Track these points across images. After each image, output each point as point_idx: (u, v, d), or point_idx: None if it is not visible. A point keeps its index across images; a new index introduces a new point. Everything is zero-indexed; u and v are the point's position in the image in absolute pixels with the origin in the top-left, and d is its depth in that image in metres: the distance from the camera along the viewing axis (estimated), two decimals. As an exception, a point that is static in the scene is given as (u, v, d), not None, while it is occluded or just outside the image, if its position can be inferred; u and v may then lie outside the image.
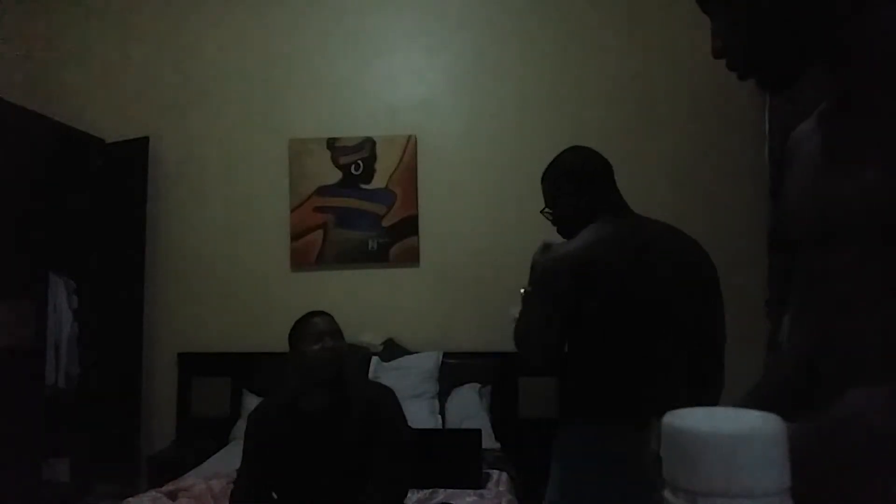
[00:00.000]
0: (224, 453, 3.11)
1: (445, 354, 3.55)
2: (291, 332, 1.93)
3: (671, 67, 3.70)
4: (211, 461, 2.99)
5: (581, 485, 1.43)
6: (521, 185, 3.75)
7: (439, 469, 2.48)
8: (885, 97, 0.67)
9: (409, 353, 3.58)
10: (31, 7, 3.92)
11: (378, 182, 3.76)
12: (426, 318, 3.72)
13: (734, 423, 0.48)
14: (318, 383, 1.87)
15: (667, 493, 0.49)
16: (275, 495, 1.95)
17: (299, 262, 3.77)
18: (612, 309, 1.43)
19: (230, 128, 3.87)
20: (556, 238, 1.66)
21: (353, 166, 3.77)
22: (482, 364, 3.56)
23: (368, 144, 3.77)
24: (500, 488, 2.53)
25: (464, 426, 3.10)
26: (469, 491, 2.45)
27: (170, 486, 2.49)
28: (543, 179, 1.70)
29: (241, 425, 3.37)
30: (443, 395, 3.44)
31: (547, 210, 1.70)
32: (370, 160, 3.77)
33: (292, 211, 3.77)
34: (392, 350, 3.59)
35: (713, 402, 1.45)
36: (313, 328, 1.88)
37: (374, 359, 3.51)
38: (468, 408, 3.35)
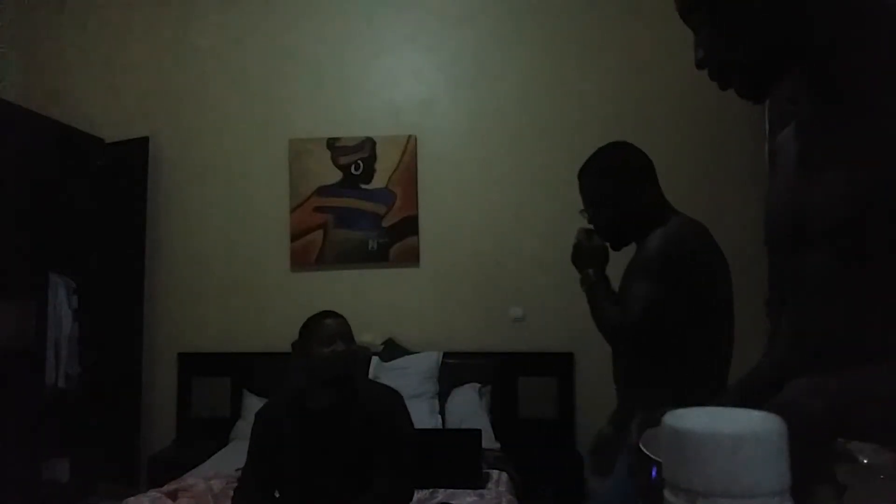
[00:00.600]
0: (224, 453, 3.11)
1: (445, 354, 3.55)
2: (302, 331, 1.92)
3: (671, 67, 3.70)
4: (211, 461, 2.99)
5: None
6: (522, 185, 3.76)
7: (439, 469, 2.48)
8: (854, 108, 0.71)
9: (409, 353, 3.58)
10: (31, 7, 3.92)
11: (378, 182, 3.76)
12: (426, 318, 3.72)
13: (734, 423, 0.48)
14: (328, 384, 1.87)
15: (667, 493, 0.49)
16: (277, 494, 1.95)
17: (299, 262, 3.77)
18: (720, 302, 1.50)
19: (230, 128, 3.87)
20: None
21: (353, 166, 3.77)
22: (482, 364, 3.56)
23: (368, 144, 3.77)
24: (500, 488, 2.53)
25: (464, 426, 3.10)
26: (469, 491, 2.45)
27: (170, 486, 2.49)
28: (589, 176, 1.61)
29: (241, 425, 3.38)
30: (443, 395, 3.44)
31: (588, 210, 1.62)
32: (370, 160, 3.77)
33: (292, 211, 3.77)
34: (392, 350, 3.59)
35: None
36: (327, 330, 1.87)
37: (374, 359, 3.51)
38: (468, 408, 3.35)
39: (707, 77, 0.87)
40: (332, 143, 3.78)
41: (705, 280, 1.46)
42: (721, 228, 3.79)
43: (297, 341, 1.93)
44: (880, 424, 0.60)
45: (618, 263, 1.62)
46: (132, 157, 3.73)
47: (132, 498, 2.40)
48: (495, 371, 3.55)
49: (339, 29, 3.86)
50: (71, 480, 3.48)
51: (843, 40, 0.72)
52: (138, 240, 3.71)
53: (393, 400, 1.96)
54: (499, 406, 3.49)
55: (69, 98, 3.84)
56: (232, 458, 2.81)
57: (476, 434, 2.64)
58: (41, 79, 3.88)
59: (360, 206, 3.76)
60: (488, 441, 2.93)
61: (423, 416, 3.13)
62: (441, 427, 3.21)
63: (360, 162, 3.77)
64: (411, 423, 1.97)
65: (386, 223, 3.75)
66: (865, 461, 0.53)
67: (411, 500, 1.96)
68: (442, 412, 3.35)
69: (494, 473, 2.67)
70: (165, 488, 2.47)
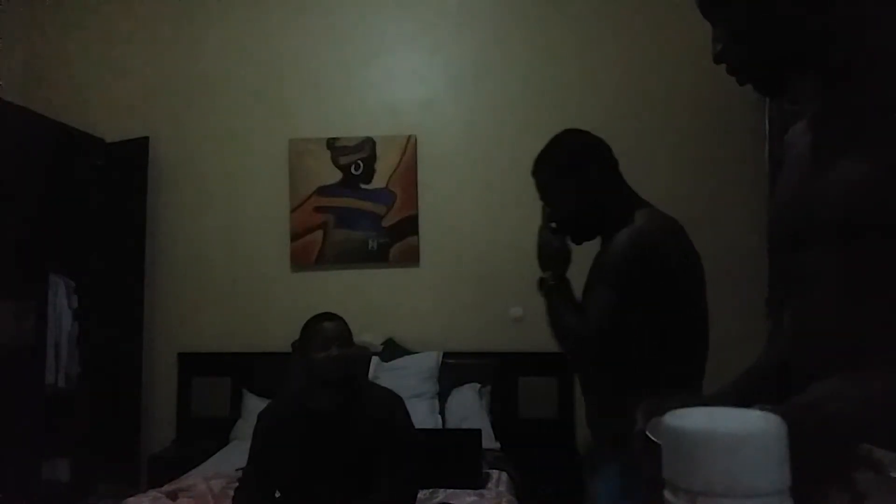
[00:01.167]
0: (224, 453, 3.11)
1: (445, 354, 3.55)
2: (302, 333, 1.92)
3: (672, 68, 3.70)
4: (211, 461, 2.99)
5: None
6: (522, 185, 3.74)
7: (439, 469, 2.48)
8: (868, 101, 0.71)
9: (409, 353, 3.58)
10: (31, 7, 3.92)
11: (378, 182, 3.76)
12: (426, 318, 3.72)
13: (734, 423, 0.48)
14: (327, 387, 1.87)
15: (667, 493, 0.49)
16: (278, 495, 1.95)
17: (299, 262, 3.77)
18: (689, 298, 1.37)
19: (230, 128, 3.87)
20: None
21: (353, 166, 3.77)
22: (482, 364, 3.56)
23: (368, 144, 3.77)
24: (500, 488, 2.53)
25: (464, 426, 3.10)
26: (469, 491, 2.45)
27: (170, 486, 2.49)
28: (544, 166, 1.55)
29: (242, 425, 3.38)
30: (443, 395, 3.43)
31: (546, 203, 1.54)
32: (370, 160, 3.77)
33: (292, 211, 3.77)
34: (392, 350, 3.58)
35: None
36: (325, 333, 1.87)
37: (374, 359, 3.51)
38: (468, 408, 3.35)
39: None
40: (332, 143, 3.78)
41: (673, 281, 1.33)
42: (721, 228, 3.82)
43: (297, 342, 1.93)
44: None
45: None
46: (132, 157, 3.73)
47: (132, 498, 2.40)
48: (495, 371, 3.55)
49: (339, 29, 3.86)
50: (71, 480, 3.48)
51: (858, 34, 0.72)
52: (138, 240, 3.71)
53: (394, 403, 1.96)
54: (499, 406, 3.49)
55: (69, 98, 3.84)
56: (232, 458, 2.81)
57: (476, 434, 2.64)
58: (41, 79, 3.88)
59: (360, 206, 3.76)
60: (488, 441, 2.93)
61: (423, 416, 3.13)
62: (441, 427, 3.21)
63: (360, 162, 3.77)
64: (413, 426, 1.98)
65: (386, 223, 3.75)
66: (894, 475, 0.53)
67: (414, 502, 1.96)
68: (442, 412, 3.35)
69: (494, 473, 2.67)
70: (165, 488, 2.47)
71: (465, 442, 2.62)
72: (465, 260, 3.73)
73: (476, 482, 2.53)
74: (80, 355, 3.62)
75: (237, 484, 2.02)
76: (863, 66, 0.72)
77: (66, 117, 3.59)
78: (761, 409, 0.52)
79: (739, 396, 0.81)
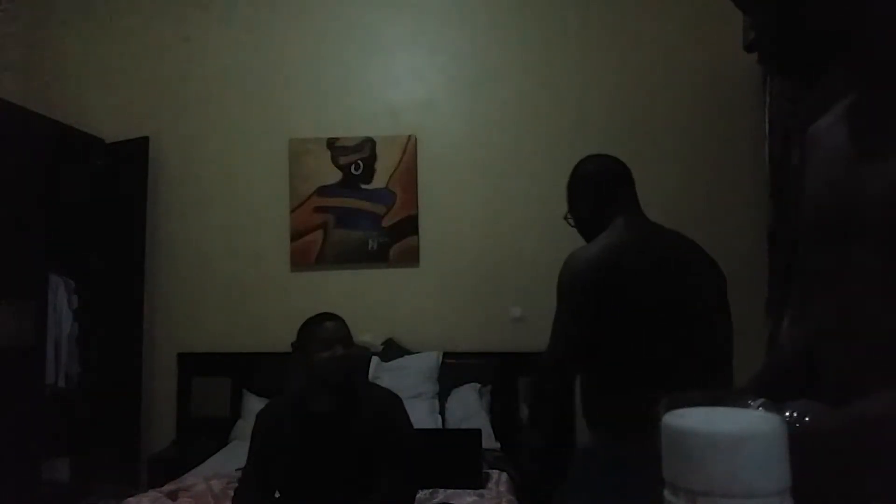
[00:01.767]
0: (224, 453, 3.11)
1: (445, 354, 3.55)
2: (300, 333, 1.91)
3: (672, 68, 3.70)
4: (211, 461, 2.99)
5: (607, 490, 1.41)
6: (522, 186, 3.75)
7: (439, 469, 2.47)
8: None
9: (409, 353, 3.58)
10: (31, 8, 3.92)
11: (378, 182, 3.76)
12: (426, 318, 3.72)
13: (734, 423, 0.48)
14: (326, 389, 1.87)
15: (667, 493, 0.49)
16: (278, 495, 1.95)
17: (299, 262, 3.77)
18: (628, 314, 1.44)
19: (230, 128, 3.87)
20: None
21: (353, 166, 3.77)
22: (482, 364, 3.56)
23: (368, 144, 3.77)
24: (500, 488, 2.53)
25: (464, 426, 3.09)
26: (469, 491, 2.45)
27: (170, 486, 2.49)
28: (568, 185, 1.73)
29: (242, 425, 3.38)
30: (443, 395, 3.43)
31: (568, 215, 1.71)
32: (370, 160, 3.77)
33: (292, 211, 3.77)
34: (392, 350, 3.58)
35: None
36: (324, 334, 1.86)
37: (374, 359, 3.51)
38: (468, 408, 3.35)
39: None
40: (332, 143, 3.78)
41: (621, 295, 1.43)
42: (721, 228, 3.82)
43: (296, 343, 1.92)
44: None
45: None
46: (132, 157, 3.73)
47: (132, 498, 2.40)
48: (495, 371, 3.55)
49: (338, 29, 3.86)
50: (71, 480, 3.48)
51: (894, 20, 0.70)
52: (138, 240, 3.71)
53: (393, 403, 1.96)
54: (499, 406, 3.49)
55: (69, 98, 3.84)
56: (232, 458, 2.81)
57: (476, 434, 2.64)
58: (41, 79, 3.88)
59: (360, 206, 3.76)
60: (488, 441, 2.93)
61: (422, 416, 3.13)
62: (441, 427, 3.21)
63: (360, 162, 3.77)
64: (411, 426, 1.97)
65: (386, 223, 3.75)
66: None
67: (413, 503, 1.96)
68: (442, 412, 3.35)
69: (494, 473, 2.67)
70: (165, 488, 2.47)
71: (465, 442, 2.61)
72: (465, 260, 3.73)
73: (476, 482, 2.52)
74: (80, 355, 3.62)
75: (237, 484, 2.02)
76: None
77: (66, 117, 3.59)
78: (800, 416, 0.50)
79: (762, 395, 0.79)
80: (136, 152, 3.72)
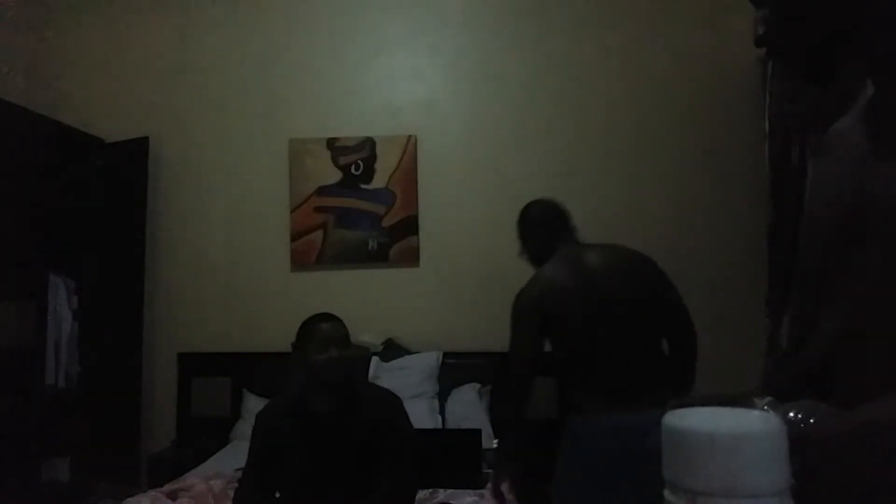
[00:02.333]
0: (224, 453, 3.11)
1: (445, 354, 3.55)
2: (299, 333, 1.91)
3: (673, 67, 3.70)
4: (211, 461, 2.99)
5: (582, 467, 1.77)
6: (522, 185, 3.75)
7: (439, 469, 2.47)
8: None
9: (409, 353, 3.58)
10: (31, 7, 3.92)
11: (378, 182, 3.76)
12: (426, 318, 3.72)
13: (734, 423, 0.48)
14: (326, 388, 1.87)
15: (667, 493, 0.49)
16: (278, 495, 1.95)
17: (299, 262, 3.77)
18: (573, 323, 1.80)
19: (230, 128, 3.87)
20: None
21: (353, 166, 3.77)
22: (482, 364, 3.55)
23: (368, 144, 3.77)
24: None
25: (464, 426, 3.09)
26: (469, 491, 2.45)
27: (170, 486, 2.49)
28: (517, 228, 2.14)
29: (241, 425, 3.38)
30: (443, 395, 3.44)
31: (522, 252, 2.12)
32: (370, 160, 3.77)
33: (292, 211, 3.77)
34: (392, 350, 3.58)
35: (686, 383, 1.84)
36: (321, 335, 1.86)
37: (374, 359, 3.51)
38: (468, 408, 3.34)
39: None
40: (332, 143, 3.78)
41: (559, 311, 1.82)
42: (721, 228, 3.81)
43: (296, 343, 1.92)
44: None
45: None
46: (132, 157, 3.73)
47: (132, 498, 2.40)
48: (495, 371, 3.55)
49: (338, 29, 3.86)
50: (71, 480, 3.48)
51: None
52: (138, 240, 3.71)
53: (392, 403, 1.96)
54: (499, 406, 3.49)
55: (69, 98, 3.84)
56: (232, 458, 2.81)
57: (476, 434, 2.64)
58: (41, 79, 3.88)
59: (360, 206, 3.76)
60: (488, 441, 2.93)
61: (422, 416, 3.13)
62: (441, 427, 3.21)
63: (360, 162, 3.77)
64: (411, 426, 1.97)
65: (386, 223, 3.75)
66: None
67: (413, 503, 1.96)
68: (442, 412, 3.35)
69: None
70: (165, 488, 2.47)
71: (465, 442, 2.61)
72: (465, 260, 3.73)
73: (476, 482, 2.52)
74: (80, 355, 3.62)
75: (237, 484, 2.02)
76: None
77: (66, 117, 3.59)
78: (805, 417, 0.50)
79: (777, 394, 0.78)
80: (136, 152, 3.72)
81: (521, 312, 1.87)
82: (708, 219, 3.58)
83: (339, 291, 3.69)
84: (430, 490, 2.42)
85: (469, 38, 3.83)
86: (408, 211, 3.74)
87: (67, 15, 3.95)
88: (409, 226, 3.74)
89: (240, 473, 2.05)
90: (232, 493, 2.02)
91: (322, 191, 3.77)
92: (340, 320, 1.92)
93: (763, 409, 0.64)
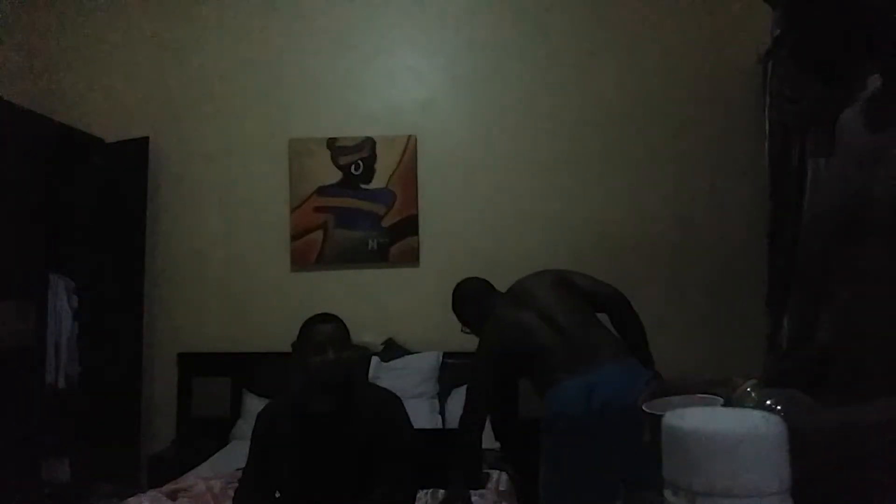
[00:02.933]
0: (224, 453, 3.11)
1: (445, 354, 3.55)
2: (299, 334, 1.91)
3: (671, 68, 3.70)
4: (211, 461, 2.99)
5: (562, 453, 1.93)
6: (522, 185, 3.75)
7: (439, 469, 2.47)
8: None
9: (409, 353, 3.58)
10: (31, 7, 3.92)
11: (378, 182, 3.76)
12: (426, 318, 3.71)
13: (734, 423, 0.48)
14: (326, 388, 1.87)
15: (667, 493, 0.49)
16: (278, 495, 1.95)
17: (299, 262, 3.77)
18: (529, 341, 2.06)
19: (230, 128, 3.87)
20: None
21: (353, 166, 3.77)
22: (482, 364, 3.55)
23: (368, 144, 3.77)
24: (501, 488, 2.53)
25: (464, 426, 3.09)
26: (469, 491, 2.44)
27: (170, 486, 2.49)
28: (453, 307, 2.48)
29: (242, 425, 3.38)
30: (443, 395, 3.43)
31: (463, 326, 2.44)
32: (370, 160, 3.77)
33: (292, 211, 3.77)
34: (392, 350, 3.58)
35: (639, 352, 2.07)
36: (321, 336, 1.86)
37: (374, 359, 3.51)
38: (468, 408, 3.34)
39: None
40: (332, 143, 3.78)
41: (509, 356, 2.16)
42: (721, 228, 3.81)
43: (296, 343, 1.92)
44: None
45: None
46: (132, 157, 3.73)
47: (132, 498, 2.40)
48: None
49: (338, 29, 3.86)
50: (71, 480, 3.48)
51: None
52: (138, 240, 3.71)
53: (392, 404, 1.96)
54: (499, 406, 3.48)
55: (69, 98, 3.84)
56: (232, 458, 2.81)
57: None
58: (41, 79, 3.88)
59: (360, 206, 3.76)
60: (488, 441, 2.93)
61: (423, 416, 3.13)
62: (441, 427, 3.21)
63: (360, 162, 3.77)
64: (411, 426, 1.98)
65: (386, 223, 3.75)
66: None
67: (413, 503, 1.96)
68: (442, 412, 3.35)
69: (494, 473, 2.67)
70: (165, 488, 2.47)
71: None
72: (465, 260, 3.72)
73: (476, 482, 2.52)
74: (80, 355, 3.62)
75: (237, 484, 2.02)
76: None
77: (66, 117, 3.59)
78: (783, 407, 0.50)
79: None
80: (136, 152, 3.72)
81: (478, 362, 2.24)
82: (708, 218, 3.58)
83: (339, 291, 3.69)
84: (430, 490, 2.42)
85: (469, 38, 3.83)
86: (408, 211, 3.74)
87: (67, 15, 3.95)
88: (409, 226, 3.74)
89: (240, 473, 2.05)
90: (232, 493, 2.02)
91: (322, 191, 3.77)
92: (341, 321, 1.92)
93: (746, 392, 0.65)
